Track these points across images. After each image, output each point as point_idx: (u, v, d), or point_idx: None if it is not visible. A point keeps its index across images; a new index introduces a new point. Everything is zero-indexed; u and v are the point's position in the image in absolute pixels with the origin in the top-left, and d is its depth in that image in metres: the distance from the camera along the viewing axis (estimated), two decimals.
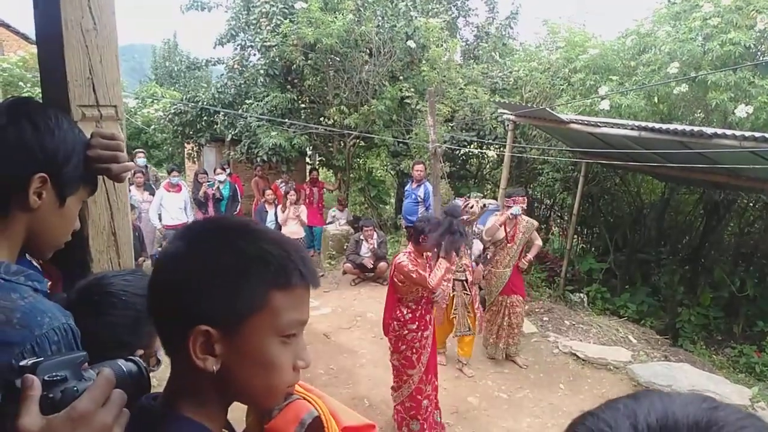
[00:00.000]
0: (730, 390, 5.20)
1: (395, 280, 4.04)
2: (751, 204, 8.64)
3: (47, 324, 0.89)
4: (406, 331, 4.02)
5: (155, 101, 17.68)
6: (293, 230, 8.59)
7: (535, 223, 5.78)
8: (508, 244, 5.53)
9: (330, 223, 9.87)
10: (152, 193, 8.34)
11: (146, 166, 9.77)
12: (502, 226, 5.49)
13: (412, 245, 4.08)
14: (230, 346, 0.75)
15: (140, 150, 10.45)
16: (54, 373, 0.67)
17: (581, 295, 7.96)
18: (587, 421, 0.50)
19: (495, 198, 8.77)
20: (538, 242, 5.85)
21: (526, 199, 5.69)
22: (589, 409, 0.53)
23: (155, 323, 0.79)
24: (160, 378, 1.99)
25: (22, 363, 0.67)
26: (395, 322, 4.06)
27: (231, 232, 0.79)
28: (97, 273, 1.31)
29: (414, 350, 4.03)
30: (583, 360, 5.85)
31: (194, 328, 0.73)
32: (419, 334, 4.04)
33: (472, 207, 5.26)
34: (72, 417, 0.65)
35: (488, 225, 5.61)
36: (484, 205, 5.50)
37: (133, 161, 10.00)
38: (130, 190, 7.98)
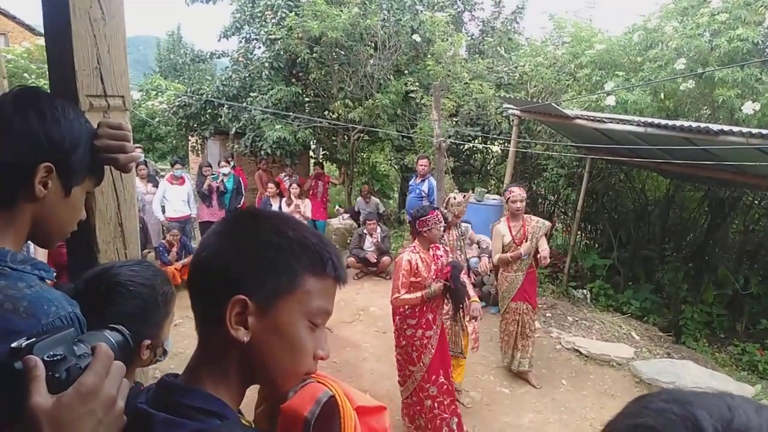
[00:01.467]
0: (732, 388, 5.19)
1: None
2: (757, 202, 8.60)
3: (54, 313, 0.90)
4: (406, 326, 3.91)
5: (159, 93, 17.68)
6: None
7: (548, 224, 5.13)
8: (518, 247, 4.99)
9: (358, 212, 9.77)
10: (156, 185, 8.36)
11: (145, 161, 9.80)
12: (508, 230, 5.02)
13: (416, 239, 3.98)
14: (262, 320, 0.79)
15: (138, 145, 10.44)
16: (53, 353, 0.70)
17: (584, 291, 7.95)
18: None
19: (499, 194, 8.76)
20: (545, 248, 4.89)
21: (522, 189, 5.01)
22: (619, 412, 0.49)
23: (194, 294, 0.84)
24: (162, 369, 1.99)
25: (14, 345, 0.69)
26: (397, 317, 3.98)
27: (277, 218, 0.86)
28: (104, 263, 1.31)
29: (414, 348, 3.90)
30: (586, 356, 5.84)
31: (233, 297, 0.77)
32: (419, 332, 3.89)
33: (455, 198, 4.89)
34: (81, 392, 0.68)
35: (494, 253, 5.13)
36: (464, 195, 5.03)
37: None
38: None
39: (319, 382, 0.89)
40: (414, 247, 3.92)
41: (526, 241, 4.92)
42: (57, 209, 1.03)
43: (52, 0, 1.34)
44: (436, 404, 3.94)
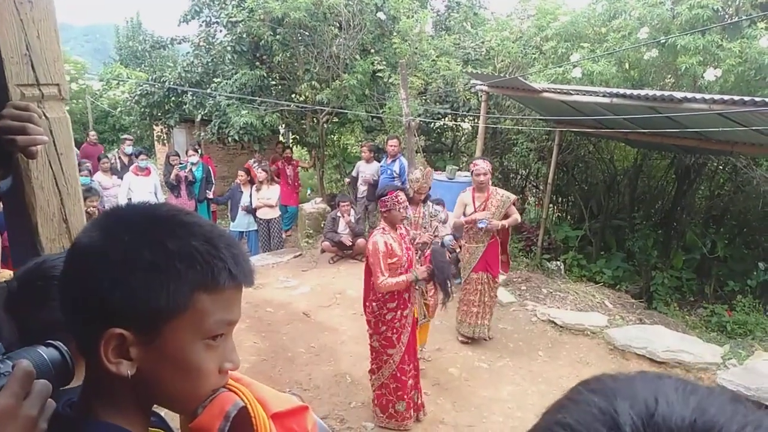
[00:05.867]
0: (702, 349, 5.34)
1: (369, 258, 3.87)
2: (721, 167, 8.79)
3: None
4: (386, 311, 3.88)
5: (121, 83, 17.15)
6: (267, 211, 8.50)
7: (512, 197, 5.39)
8: None
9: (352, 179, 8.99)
10: (121, 178, 8.16)
11: (132, 154, 9.61)
12: (471, 200, 5.20)
13: (382, 219, 3.96)
14: (147, 349, 0.69)
15: (128, 137, 10.29)
16: None
17: (558, 263, 8.05)
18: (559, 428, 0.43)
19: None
20: (516, 216, 5.33)
21: (486, 162, 5.24)
22: (561, 396, 0.48)
23: (66, 320, 0.72)
24: None
25: None
26: (374, 303, 3.90)
27: (154, 224, 0.72)
28: (35, 258, 1.23)
29: (394, 330, 3.91)
30: (561, 327, 5.93)
31: (106, 330, 0.67)
32: (398, 313, 3.91)
33: (414, 174, 5.09)
34: None
35: (452, 219, 5.35)
36: (425, 171, 5.19)
37: (122, 149, 9.81)
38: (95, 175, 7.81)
39: (230, 389, 0.81)
40: (384, 228, 3.89)
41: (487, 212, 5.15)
42: None
43: None
44: (413, 381, 4.06)
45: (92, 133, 11.92)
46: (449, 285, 4.07)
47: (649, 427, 0.39)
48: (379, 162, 8.58)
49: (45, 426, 0.67)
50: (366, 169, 8.64)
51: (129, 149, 9.54)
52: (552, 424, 0.44)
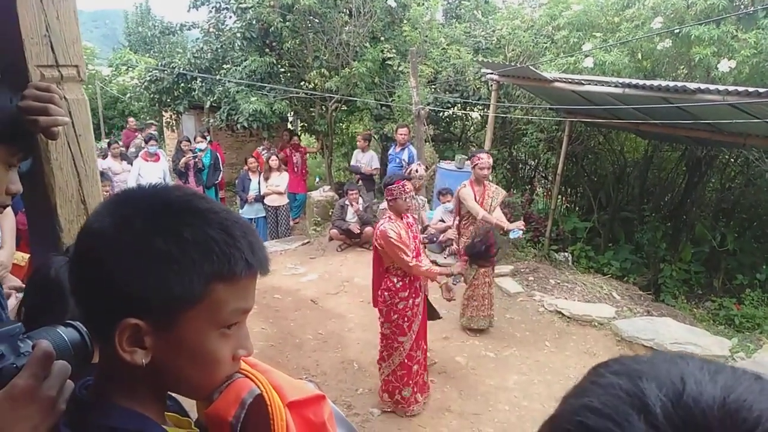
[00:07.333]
0: (710, 342, 5.32)
1: (377, 245, 3.88)
2: (732, 160, 8.72)
3: None
4: (398, 300, 3.89)
5: (130, 68, 17.17)
6: (276, 198, 8.52)
7: (503, 192, 5.43)
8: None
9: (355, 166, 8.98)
10: (131, 163, 8.20)
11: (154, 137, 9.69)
12: (473, 194, 5.15)
13: (388, 207, 3.97)
14: (162, 338, 0.68)
15: (153, 122, 10.39)
16: None
17: (566, 254, 8.03)
18: (586, 418, 0.41)
19: None
20: (499, 214, 5.24)
21: (490, 156, 5.28)
22: (576, 383, 0.46)
23: (79, 307, 0.72)
24: None
25: None
26: (386, 293, 3.91)
27: (168, 210, 0.69)
28: None
29: (406, 318, 3.94)
30: (568, 317, 5.93)
31: (121, 320, 0.66)
32: (410, 302, 3.93)
33: (417, 171, 5.18)
34: (12, 395, 0.62)
35: (479, 211, 5.16)
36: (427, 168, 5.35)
37: (146, 134, 9.88)
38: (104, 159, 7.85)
39: (246, 375, 0.81)
40: (389, 216, 3.88)
41: (486, 206, 5.12)
42: None
43: None
44: (420, 366, 4.11)
45: (131, 119, 12.08)
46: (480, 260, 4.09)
47: (680, 407, 0.38)
48: (387, 151, 8.59)
49: (63, 407, 0.67)
50: (362, 158, 8.69)
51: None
52: (578, 408, 0.42)
